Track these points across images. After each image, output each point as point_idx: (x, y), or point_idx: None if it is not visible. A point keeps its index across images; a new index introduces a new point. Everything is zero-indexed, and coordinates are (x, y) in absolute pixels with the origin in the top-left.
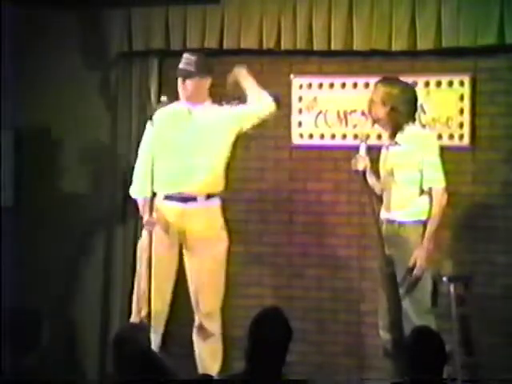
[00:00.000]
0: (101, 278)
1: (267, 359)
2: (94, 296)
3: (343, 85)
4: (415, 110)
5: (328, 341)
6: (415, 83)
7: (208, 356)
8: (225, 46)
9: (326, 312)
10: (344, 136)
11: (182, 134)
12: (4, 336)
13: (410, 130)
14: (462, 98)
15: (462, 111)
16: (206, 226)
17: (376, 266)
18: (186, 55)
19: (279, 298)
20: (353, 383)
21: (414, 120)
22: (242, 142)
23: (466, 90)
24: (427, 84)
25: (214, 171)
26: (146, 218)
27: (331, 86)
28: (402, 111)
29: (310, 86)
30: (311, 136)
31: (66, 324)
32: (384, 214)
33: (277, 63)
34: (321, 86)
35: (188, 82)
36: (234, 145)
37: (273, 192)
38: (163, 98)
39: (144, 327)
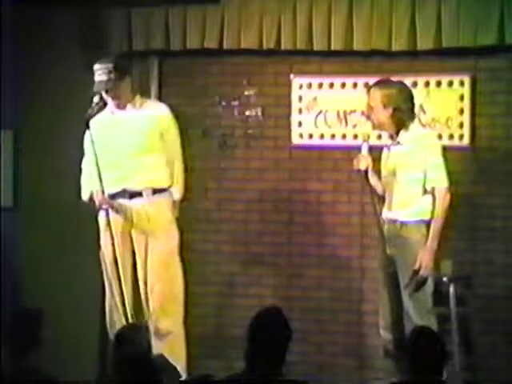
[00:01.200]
0: (101, 278)
1: (267, 359)
2: (94, 296)
3: (343, 85)
4: (414, 106)
5: (328, 341)
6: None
7: (167, 355)
8: (225, 46)
9: (326, 312)
10: (344, 136)
11: (116, 135)
12: (4, 336)
13: (413, 130)
14: (461, 98)
15: (461, 111)
16: (153, 221)
17: (376, 265)
18: (96, 66)
19: (279, 298)
20: (353, 383)
21: (415, 117)
22: (242, 141)
23: (466, 90)
24: (427, 84)
25: (155, 167)
26: (99, 198)
27: (331, 85)
28: (405, 109)
29: (309, 85)
30: (311, 136)
31: (66, 324)
32: (386, 214)
33: (277, 63)
34: (321, 85)
35: (109, 92)
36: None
37: (273, 192)
38: (96, 99)
39: (144, 327)
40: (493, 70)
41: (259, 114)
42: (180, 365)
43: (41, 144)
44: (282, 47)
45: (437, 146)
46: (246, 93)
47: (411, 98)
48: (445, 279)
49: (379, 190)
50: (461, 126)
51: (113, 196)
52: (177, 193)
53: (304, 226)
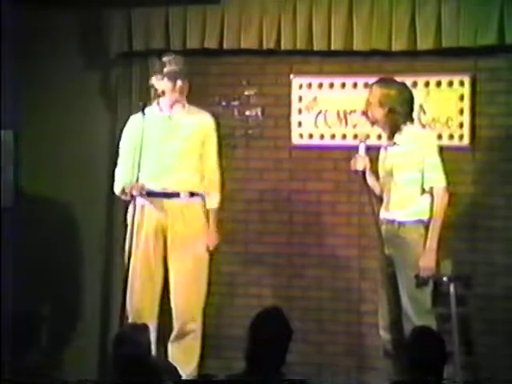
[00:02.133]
0: (101, 278)
1: (267, 359)
2: (94, 296)
3: (343, 85)
4: (412, 109)
5: (328, 341)
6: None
7: (181, 353)
8: (225, 46)
9: (326, 312)
10: (344, 136)
11: (161, 132)
12: (4, 337)
13: (409, 130)
14: (461, 98)
15: (461, 111)
16: (189, 222)
17: (376, 266)
18: (167, 58)
19: (279, 297)
20: (353, 383)
21: (411, 120)
22: (242, 141)
23: (466, 90)
24: (427, 84)
25: (192, 169)
26: (130, 186)
27: (331, 85)
28: (400, 112)
29: (309, 85)
30: (311, 136)
31: (66, 324)
32: (384, 214)
33: (277, 63)
34: (321, 85)
35: (178, 83)
36: (233, 145)
37: (273, 192)
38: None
39: (145, 328)
40: (493, 70)
41: (259, 114)
42: (190, 367)
43: (41, 144)
44: (282, 47)
45: (434, 146)
46: (246, 93)
47: (410, 101)
48: (445, 279)
49: (377, 190)
50: (461, 126)
51: (150, 194)
52: (212, 201)
53: (304, 226)
